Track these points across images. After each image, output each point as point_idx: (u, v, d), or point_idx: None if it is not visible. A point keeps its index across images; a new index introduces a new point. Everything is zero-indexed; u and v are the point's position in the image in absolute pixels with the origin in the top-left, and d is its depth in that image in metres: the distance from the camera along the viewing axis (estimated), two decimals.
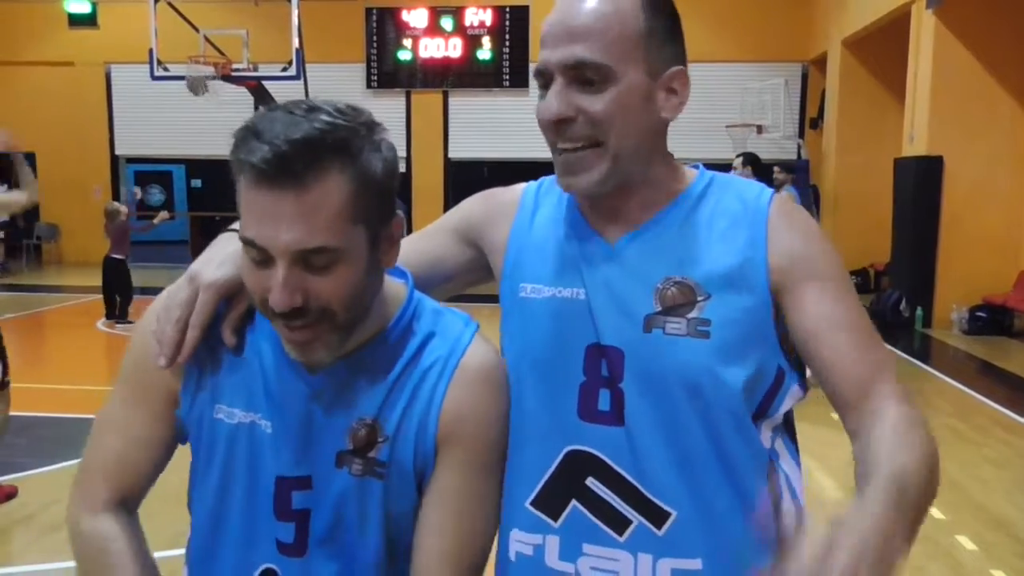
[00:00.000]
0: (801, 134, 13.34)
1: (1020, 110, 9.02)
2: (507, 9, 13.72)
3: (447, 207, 14.50)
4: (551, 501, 1.04)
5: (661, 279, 1.01)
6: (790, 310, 1.00)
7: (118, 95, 14.74)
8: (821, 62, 12.84)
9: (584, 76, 0.97)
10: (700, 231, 1.04)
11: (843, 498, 4.05)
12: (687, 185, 1.08)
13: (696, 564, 1.01)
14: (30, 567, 3.31)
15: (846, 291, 1.02)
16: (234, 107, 12.41)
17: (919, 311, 9.18)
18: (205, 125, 14.08)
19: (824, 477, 4.51)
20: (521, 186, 1.19)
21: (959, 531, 3.84)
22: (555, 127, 0.99)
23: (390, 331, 1.01)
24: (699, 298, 1.00)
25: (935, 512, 4.00)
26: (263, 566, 1.02)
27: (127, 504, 1.08)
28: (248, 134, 0.87)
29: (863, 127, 11.64)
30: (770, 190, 1.08)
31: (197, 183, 19.71)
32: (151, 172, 18.82)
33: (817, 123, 13.18)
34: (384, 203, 0.93)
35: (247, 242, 0.88)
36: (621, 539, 1.01)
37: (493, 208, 1.18)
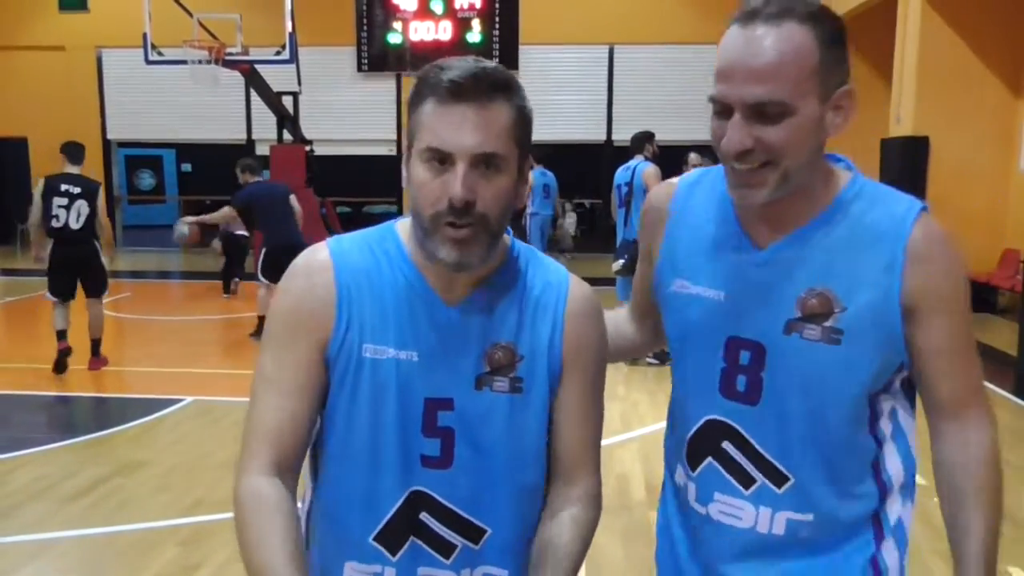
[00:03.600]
0: None
1: (1005, 91, 9.16)
2: None
3: None
4: (693, 456, 1.27)
5: (804, 289, 1.15)
6: (913, 331, 1.15)
7: (109, 79, 14.72)
8: None
9: (764, 112, 1.07)
10: (843, 244, 1.15)
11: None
12: (837, 193, 1.18)
13: (809, 517, 1.22)
14: (51, 534, 3.44)
15: (964, 323, 1.18)
16: (225, 91, 12.47)
17: None
18: (196, 109, 14.09)
19: None
20: (674, 184, 1.32)
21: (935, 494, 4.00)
22: (735, 155, 1.10)
23: (507, 265, 1.19)
24: (836, 310, 1.14)
25: (917, 478, 4.16)
26: (410, 489, 1.16)
27: (288, 465, 1.13)
28: (434, 69, 1.08)
29: None
30: (918, 206, 1.16)
31: (187, 167, 19.69)
32: (142, 156, 18.78)
33: None
34: (528, 141, 1.13)
35: (432, 151, 1.06)
36: (746, 492, 1.23)
37: (652, 219, 1.35)
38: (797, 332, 1.15)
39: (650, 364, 6.59)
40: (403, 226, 1.20)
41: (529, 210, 10.65)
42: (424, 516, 1.17)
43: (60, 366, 6.00)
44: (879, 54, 10.84)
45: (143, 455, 4.37)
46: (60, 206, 5.89)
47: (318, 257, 1.17)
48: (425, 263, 1.14)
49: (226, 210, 7.61)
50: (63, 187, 5.93)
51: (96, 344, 6.22)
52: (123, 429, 4.83)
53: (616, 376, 6.25)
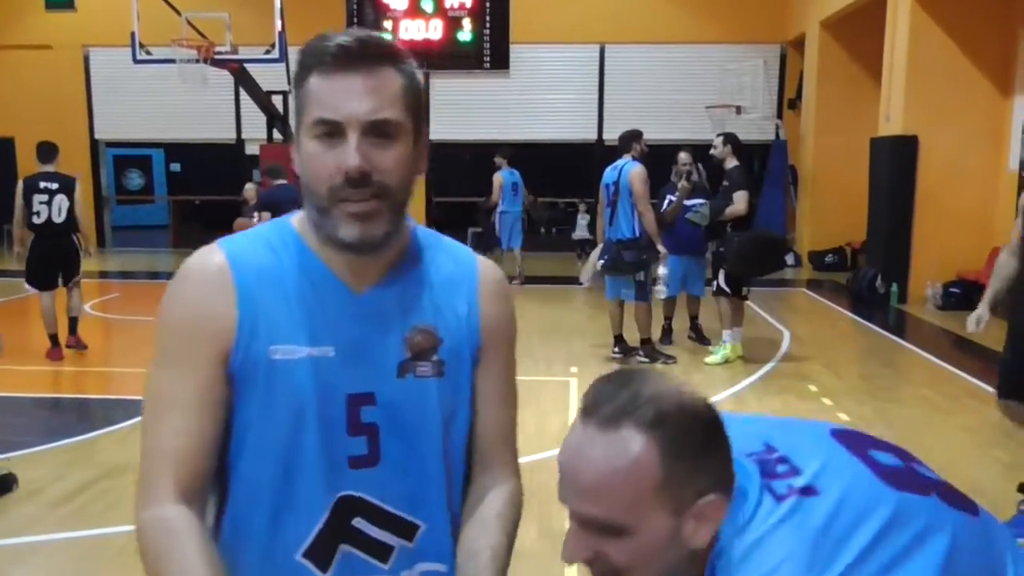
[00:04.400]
0: (779, 115, 13.50)
1: (994, 91, 9.21)
2: None
3: (428, 189, 14.47)
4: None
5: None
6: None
7: (96, 79, 14.62)
8: (799, 43, 12.98)
9: (600, 528, 0.94)
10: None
11: None
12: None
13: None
14: (39, 537, 3.41)
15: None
16: (215, 91, 12.40)
17: (894, 287, 9.40)
18: (185, 109, 14.01)
19: None
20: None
21: None
22: (569, 563, 0.99)
23: (413, 248, 1.16)
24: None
25: None
26: (339, 495, 1.08)
27: (195, 492, 1.05)
28: (317, 41, 1.04)
29: (840, 107, 11.81)
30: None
31: (176, 167, 19.58)
32: (130, 156, 18.66)
33: (795, 104, 13.34)
34: (421, 109, 1.09)
35: (321, 122, 1.02)
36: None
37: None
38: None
39: (641, 362, 6.59)
40: (297, 219, 1.13)
41: (499, 208, 10.82)
42: (357, 521, 1.10)
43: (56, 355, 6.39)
44: (869, 54, 10.90)
45: (131, 458, 4.33)
46: (41, 202, 6.31)
47: (213, 260, 1.08)
48: (328, 252, 1.08)
49: (240, 221, 7.76)
50: (42, 184, 6.36)
51: (74, 323, 6.65)
52: (110, 431, 4.80)
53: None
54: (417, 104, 1.07)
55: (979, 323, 4.14)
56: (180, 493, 1.03)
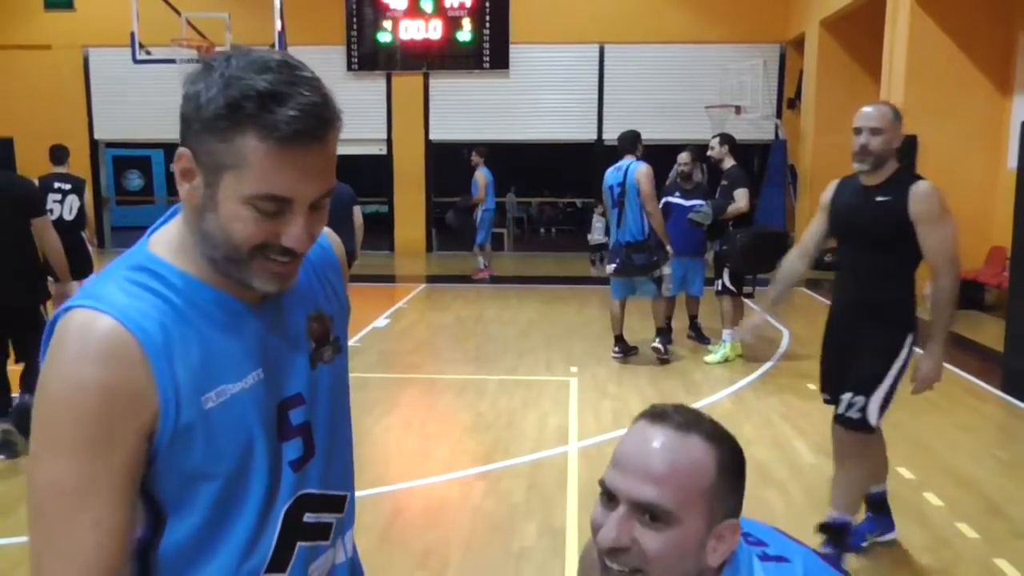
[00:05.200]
0: (779, 114, 13.51)
1: (993, 90, 9.22)
2: None
3: (428, 190, 14.43)
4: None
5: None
6: None
7: (96, 79, 14.62)
8: (799, 43, 12.99)
9: (649, 514, 1.04)
10: None
11: (816, 462, 4.23)
12: None
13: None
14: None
15: None
16: None
17: None
18: None
19: (801, 444, 4.70)
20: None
21: (927, 489, 4.03)
22: (607, 550, 1.05)
23: None
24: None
25: (904, 472, 4.19)
26: (289, 501, 1.08)
27: None
28: (263, 98, 0.92)
29: (840, 107, 11.79)
30: None
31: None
32: (130, 157, 18.66)
33: (795, 103, 13.35)
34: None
35: (270, 199, 0.94)
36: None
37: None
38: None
39: (661, 358, 6.60)
40: (163, 249, 1.02)
41: (483, 206, 11.03)
42: (308, 517, 1.12)
43: None
44: (868, 53, 10.90)
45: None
46: (55, 201, 6.71)
47: (101, 329, 0.93)
48: (215, 278, 1.02)
49: None
50: (56, 184, 6.80)
51: None
52: None
53: (608, 374, 6.27)
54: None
55: (754, 331, 4.21)
56: None
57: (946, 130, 9.12)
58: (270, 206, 0.95)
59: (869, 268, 3.26)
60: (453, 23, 13.88)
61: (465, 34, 13.88)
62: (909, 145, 9.20)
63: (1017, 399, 5.70)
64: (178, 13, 10.48)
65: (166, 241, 1.03)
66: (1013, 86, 9.06)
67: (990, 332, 7.75)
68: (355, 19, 14.01)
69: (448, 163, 15.14)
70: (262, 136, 0.92)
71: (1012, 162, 7.85)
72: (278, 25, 9.90)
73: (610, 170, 6.59)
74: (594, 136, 14.13)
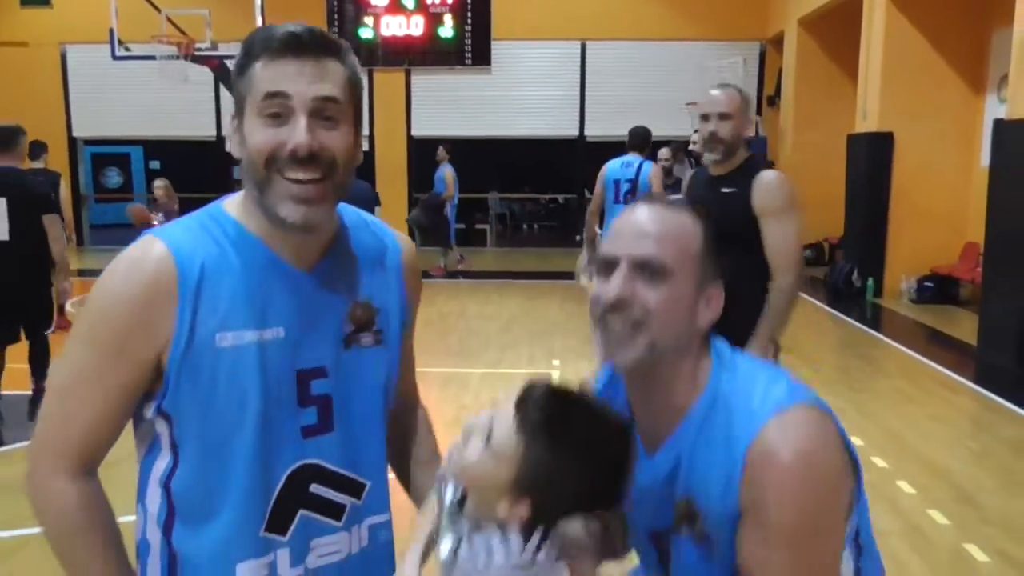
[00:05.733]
0: (759, 112, 13.63)
1: (966, 89, 9.37)
2: None
3: (411, 185, 14.40)
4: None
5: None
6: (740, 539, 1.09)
7: (74, 76, 14.49)
8: (778, 41, 13.11)
9: (648, 269, 1.12)
10: (701, 452, 1.11)
11: None
12: (697, 397, 1.14)
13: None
14: (25, 531, 3.43)
15: (784, 545, 1.04)
16: (195, 87, 12.34)
17: (870, 282, 9.55)
18: (164, 106, 13.92)
19: None
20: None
21: (900, 478, 4.13)
22: (612, 306, 1.12)
23: (343, 226, 1.22)
24: (699, 513, 1.11)
25: (878, 461, 4.29)
26: (296, 465, 1.14)
27: (95, 466, 1.14)
28: (262, 31, 1.09)
29: (818, 105, 11.95)
30: (770, 411, 1.07)
31: (156, 165, 19.44)
32: (109, 154, 18.51)
33: (774, 101, 13.48)
34: (360, 102, 1.16)
35: (271, 95, 1.06)
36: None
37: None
38: (677, 536, 1.16)
39: None
40: (231, 204, 1.16)
41: (451, 202, 11.16)
42: (314, 487, 1.16)
43: None
44: (846, 52, 11.03)
45: (119, 451, 4.34)
46: None
47: (153, 252, 1.08)
48: (269, 234, 1.12)
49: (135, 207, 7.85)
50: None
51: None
52: None
53: (591, 369, 6.32)
54: (358, 96, 1.13)
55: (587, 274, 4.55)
56: (85, 466, 1.11)
57: (921, 128, 9.26)
58: (273, 108, 1.06)
59: (727, 267, 3.19)
60: (435, 19, 13.89)
61: (447, 30, 13.89)
62: (885, 142, 9.36)
63: (990, 391, 5.83)
64: (158, 10, 10.42)
65: (234, 200, 1.17)
66: (986, 85, 9.22)
67: (964, 326, 7.89)
68: (336, 15, 13.98)
69: (429, 159, 15.14)
70: (264, 53, 1.07)
71: (985, 160, 7.99)
72: (259, 21, 9.86)
73: (615, 163, 6.32)
74: (576, 132, 14.19)
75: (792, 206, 2.89)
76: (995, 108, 8.57)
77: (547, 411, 1.05)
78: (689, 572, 1.17)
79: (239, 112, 1.10)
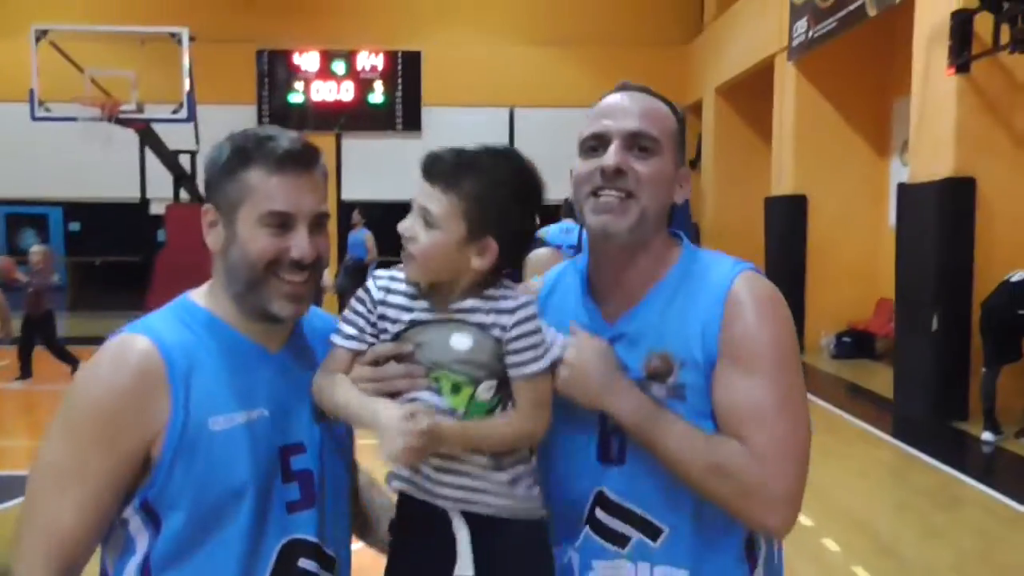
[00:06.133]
0: None
1: (872, 153, 9.94)
2: (399, 54, 13.99)
3: (340, 248, 14.24)
4: (573, 530, 1.26)
5: (646, 353, 1.21)
6: (717, 382, 1.19)
7: None
8: (697, 107, 13.69)
9: (639, 143, 1.23)
10: (677, 308, 1.22)
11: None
12: (674, 263, 1.26)
13: (683, 574, 1.22)
14: None
15: (777, 380, 1.17)
16: (119, 148, 12.10)
17: (798, 362, 9.84)
18: (86, 166, 13.60)
19: None
20: (538, 282, 1.40)
21: (825, 535, 4.22)
22: (609, 175, 1.21)
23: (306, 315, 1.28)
24: (675, 366, 1.20)
25: (803, 519, 4.38)
26: (283, 541, 1.16)
27: (79, 570, 1.12)
28: (257, 137, 1.17)
29: (736, 167, 12.46)
30: (741, 266, 1.24)
31: (75, 226, 18.88)
32: (25, 215, 17.91)
33: (696, 164, 13.99)
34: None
35: (275, 214, 1.14)
36: (623, 551, 1.23)
37: None
38: (646, 391, 1.20)
39: None
40: (197, 295, 1.23)
41: (372, 265, 11.25)
42: (302, 562, 1.18)
43: None
44: (760, 118, 11.58)
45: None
46: None
47: (137, 345, 1.12)
48: (238, 320, 1.19)
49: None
50: None
51: None
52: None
53: None
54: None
55: None
56: (73, 569, 1.10)
57: (833, 190, 9.75)
58: (276, 221, 1.14)
59: None
60: (365, 85, 14.04)
61: (377, 96, 14.05)
62: (800, 204, 9.80)
63: (906, 443, 6.04)
64: (81, 70, 10.24)
65: (200, 291, 1.24)
66: (890, 150, 9.79)
67: (881, 380, 8.20)
68: (267, 79, 14.01)
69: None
70: (263, 164, 1.15)
71: (892, 219, 8.44)
72: (187, 85, 9.80)
73: (554, 229, 6.40)
74: None
75: None
76: (899, 171, 9.09)
77: (455, 159, 1.17)
78: None
79: (226, 212, 1.16)
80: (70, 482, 1.09)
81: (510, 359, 1.17)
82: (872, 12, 7.88)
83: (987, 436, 5.91)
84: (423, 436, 1.07)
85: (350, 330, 1.20)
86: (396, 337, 1.19)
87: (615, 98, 1.29)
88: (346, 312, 1.22)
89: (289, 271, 1.16)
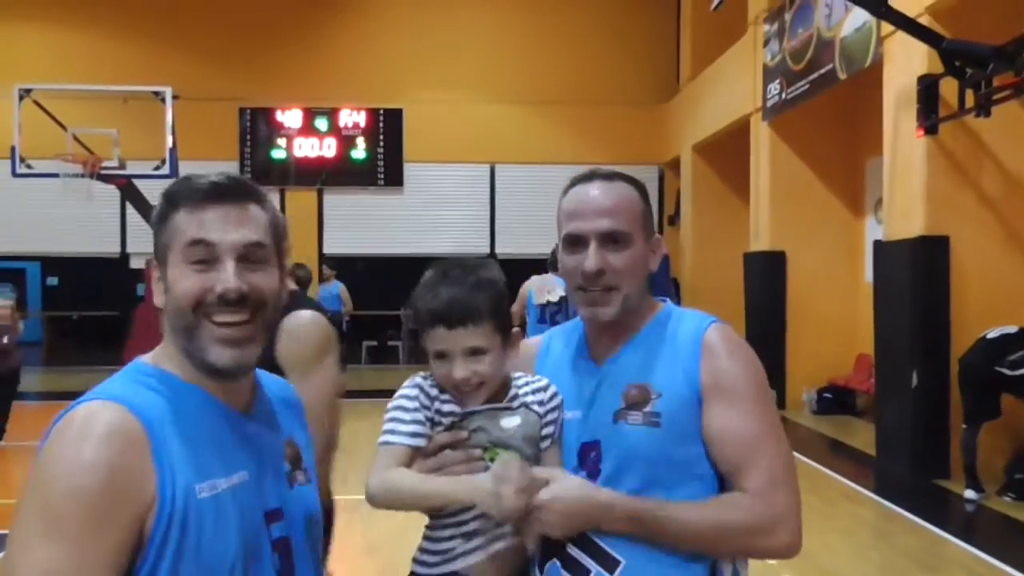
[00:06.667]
0: (660, 230, 14.29)
1: (847, 211, 10.11)
2: (381, 111, 14.17)
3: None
4: (542, 560, 1.36)
5: (626, 385, 1.38)
6: (706, 417, 1.37)
7: None
8: (675, 165, 13.93)
9: (613, 239, 1.38)
10: (656, 348, 1.43)
11: None
12: (654, 315, 1.47)
13: None
14: None
15: (755, 410, 1.38)
16: (99, 203, 12.10)
17: (773, 394, 9.87)
18: (66, 221, 13.56)
19: None
20: (535, 341, 1.60)
21: None
22: (590, 277, 1.37)
23: (259, 373, 1.24)
24: (652, 397, 1.37)
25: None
26: None
27: None
28: (183, 181, 1.12)
29: (714, 224, 12.63)
30: (711, 319, 1.44)
31: (53, 281, 18.71)
32: (1, 269, 17.73)
33: (675, 220, 14.17)
34: (282, 243, 1.19)
35: (196, 243, 1.07)
36: None
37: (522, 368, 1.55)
38: (623, 420, 1.36)
39: None
40: (152, 358, 1.13)
41: (346, 318, 11.25)
42: None
43: None
44: (737, 175, 11.79)
45: None
46: None
47: (108, 413, 1.00)
48: (201, 381, 1.10)
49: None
50: None
51: None
52: None
53: None
54: (279, 238, 1.16)
55: None
56: None
57: (809, 247, 9.88)
58: (197, 252, 1.06)
59: None
60: (347, 142, 14.18)
61: (359, 152, 14.18)
62: (778, 261, 9.91)
63: (889, 501, 6.02)
64: (64, 128, 10.28)
65: (155, 354, 1.14)
66: (865, 207, 9.97)
67: (862, 436, 8.21)
68: (249, 136, 14.12)
69: (343, 275, 15.12)
70: (187, 202, 1.09)
71: (869, 276, 8.57)
72: (169, 141, 9.85)
73: (542, 282, 6.45)
74: (487, 250, 14.49)
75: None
76: (874, 229, 9.25)
77: (461, 297, 1.30)
78: (626, 456, 1.35)
79: (162, 262, 1.10)
80: None
81: (547, 430, 1.37)
82: (842, 75, 8.11)
83: (969, 494, 5.91)
84: (522, 471, 1.22)
85: (411, 428, 1.31)
86: (450, 428, 1.31)
87: (586, 194, 1.42)
88: (396, 413, 1.32)
89: (218, 311, 1.06)
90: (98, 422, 0.99)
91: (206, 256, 1.07)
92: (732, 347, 1.39)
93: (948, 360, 6.47)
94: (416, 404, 1.32)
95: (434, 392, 1.33)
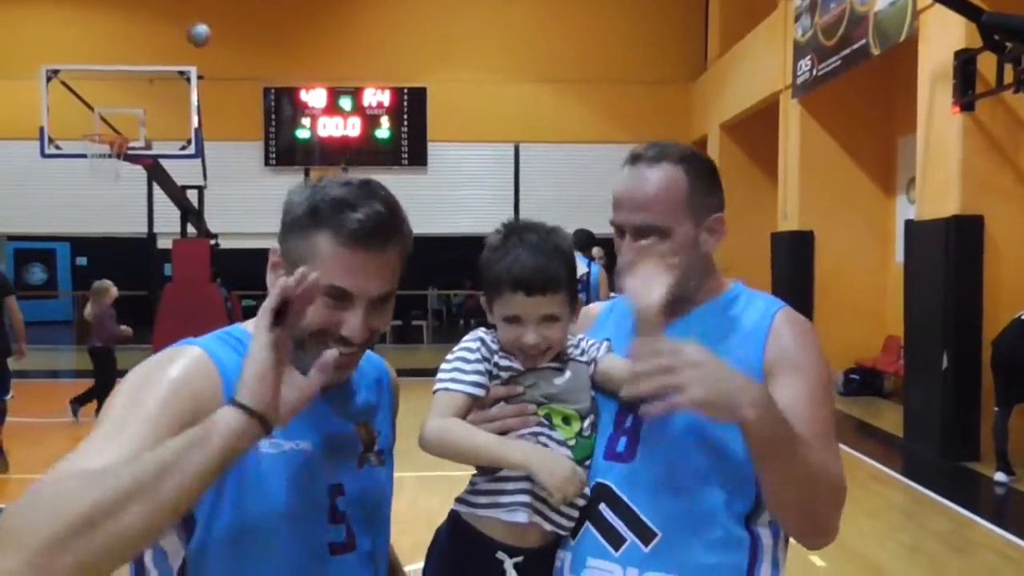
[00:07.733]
0: None
1: (878, 190, 9.95)
2: (405, 90, 14.14)
3: None
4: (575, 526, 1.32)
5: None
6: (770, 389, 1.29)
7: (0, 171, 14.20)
8: (702, 144, 13.76)
9: (647, 234, 1.31)
10: (719, 328, 1.35)
11: None
12: (719, 295, 1.41)
13: None
14: None
15: (815, 385, 1.31)
16: (126, 184, 12.21)
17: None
18: (94, 202, 13.71)
19: None
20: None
21: None
22: (627, 268, 1.31)
23: None
24: None
25: (816, 560, 4.30)
26: None
27: None
28: (334, 201, 1.11)
29: (741, 204, 12.42)
30: (780, 303, 1.39)
31: (83, 261, 18.98)
32: (32, 250, 18.02)
33: None
34: (404, 263, 1.22)
35: (335, 289, 1.10)
36: (616, 554, 1.27)
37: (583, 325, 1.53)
38: None
39: None
40: (249, 325, 1.17)
41: None
42: None
43: None
44: (765, 154, 11.63)
45: None
46: None
47: (193, 352, 1.10)
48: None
49: None
50: None
51: None
52: None
53: None
54: (400, 275, 1.19)
55: None
56: None
57: (839, 227, 9.73)
58: (335, 293, 1.09)
59: None
60: (371, 121, 14.18)
61: (383, 132, 14.18)
62: (806, 241, 9.78)
63: (917, 483, 5.95)
64: (91, 109, 10.35)
65: (248, 323, 1.19)
66: (896, 187, 9.80)
67: (890, 418, 8.12)
68: (273, 116, 14.16)
69: None
70: (333, 234, 1.09)
71: (900, 257, 8.42)
72: (195, 122, 9.89)
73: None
74: None
75: None
76: (906, 208, 9.09)
77: (540, 264, 1.29)
78: (669, 429, 1.28)
79: (291, 263, 1.11)
80: (133, 418, 1.00)
81: (592, 352, 1.36)
82: (875, 51, 7.94)
83: (1000, 477, 5.83)
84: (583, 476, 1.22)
85: (473, 378, 1.29)
86: (507, 382, 1.30)
87: (627, 182, 1.35)
88: (457, 363, 1.31)
89: (336, 343, 1.11)
90: (181, 354, 1.10)
91: (340, 297, 1.10)
92: (802, 330, 1.35)
93: (980, 342, 6.36)
94: (478, 356, 1.31)
95: (495, 347, 1.32)
